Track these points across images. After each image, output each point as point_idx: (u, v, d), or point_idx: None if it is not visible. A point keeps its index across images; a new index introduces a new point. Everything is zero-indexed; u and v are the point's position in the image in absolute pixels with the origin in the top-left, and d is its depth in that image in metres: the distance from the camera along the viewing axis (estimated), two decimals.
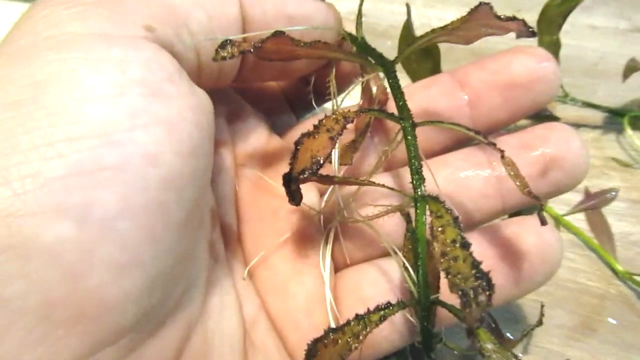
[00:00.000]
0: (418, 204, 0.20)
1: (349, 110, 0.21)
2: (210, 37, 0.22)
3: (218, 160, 0.26)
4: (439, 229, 0.18)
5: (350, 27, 0.28)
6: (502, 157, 0.20)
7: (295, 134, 0.30)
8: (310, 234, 0.26)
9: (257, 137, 0.28)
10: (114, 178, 0.16)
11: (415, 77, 0.34)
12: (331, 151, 0.20)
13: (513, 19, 0.20)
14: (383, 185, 0.22)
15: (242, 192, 0.27)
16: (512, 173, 0.19)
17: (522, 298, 0.27)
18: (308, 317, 0.24)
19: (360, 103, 0.29)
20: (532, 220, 0.24)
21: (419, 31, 0.28)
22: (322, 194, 0.28)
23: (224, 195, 0.26)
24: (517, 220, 0.25)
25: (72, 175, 0.16)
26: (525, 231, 0.24)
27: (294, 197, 0.21)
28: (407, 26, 0.32)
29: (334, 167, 0.26)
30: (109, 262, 0.16)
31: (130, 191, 0.17)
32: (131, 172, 0.17)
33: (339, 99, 0.29)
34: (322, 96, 0.29)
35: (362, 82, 0.27)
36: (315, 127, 0.21)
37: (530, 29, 0.19)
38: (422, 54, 0.33)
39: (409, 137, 0.22)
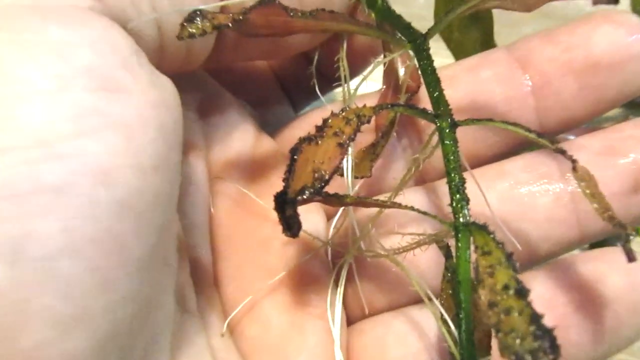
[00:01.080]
0: (460, 235, 0.21)
1: (365, 106, 0.23)
2: (177, 9, 0.23)
3: (186, 172, 0.27)
4: (487, 270, 0.19)
5: None
6: (574, 169, 0.21)
7: (292, 133, 0.31)
8: (315, 272, 0.27)
9: (240, 139, 0.30)
10: (54, 203, 0.17)
11: (458, 51, 0.35)
12: (341, 162, 0.21)
13: None
14: (412, 208, 0.23)
15: (219, 216, 0.28)
16: (587, 191, 0.20)
17: None
18: None
19: (382, 90, 0.30)
20: (620, 253, 0.25)
21: None
22: (330, 217, 0.29)
23: (195, 221, 0.27)
24: (599, 253, 0.26)
25: (0, 199, 0.17)
26: (609, 269, 0.25)
27: (290, 225, 0.22)
28: None
29: (346, 181, 0.27)
30: (49, 316, 0.17)
31: (75, 220, 0.17)
32: (77, 194, 0.18)
33: (352, 85, 0.30)
34: (330, 80, 0.31)
35: (385, 63, 0.28)
36: (318, 128, 0.22)
37: None
38: (467, 18, 0.34)
39: (447, 142, 0.23)
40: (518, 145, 0.29)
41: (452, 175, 0.22)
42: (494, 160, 0.29)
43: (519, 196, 0.27)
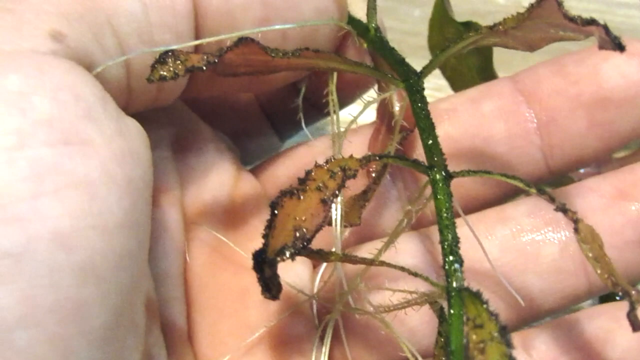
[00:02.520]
0: (452, 301, 0.21)
1: (352, 157, 0.22)
2: (144, 50, 0.23)
3: (159, 218, 0.27)
4: (478, 345, 0.18)
5: (361, 6, 0.28)
6: (576, 230, 0.20)
7: (276, 171, 0.31)
8: (298, 329, 0.27)
9: (219, 179, 0.30)
10: (11, 271, 0.17)
11: (455, 78, 0.35)
12: (325, 219, 0.21)
13: (591, 22, 0.21)
14: (402, 268, 0.23)
15: (195, 265, 0.28)
16: (590, 254, 0.20)
17: None
18: None
19: (376, 125, 0.30)
20: None
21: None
22: (316, 267, 0.29)
23: (167, 274, 0.27)
24: (608, 308, 0.26)
25: None
26: (618, 327, 0.25)
27: (269, 286, 0.22)
28: (441, 3, 0.33)
29: (334, 230, 0.27)
30: None
31: (34, 289, 0.18)
32: (35, 260, 0.18)
33: (345, 112, 0.30)
34: (319, 109, 0.30)
35: (377, 100, 0.28)
36: (300, 180, 0.22)
37: (616, 39, 0.20)
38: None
39: (441, 197, 0.22)
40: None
41: (445, 233, 0.22)
42: (495, 201, 0.29)
43: (521, 245, 0.27)
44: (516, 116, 0.28)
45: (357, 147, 0.29)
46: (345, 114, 0.30)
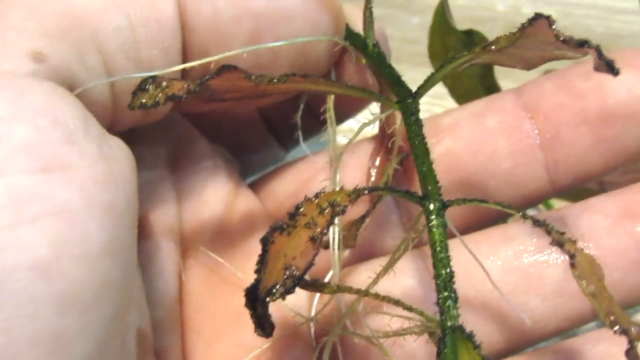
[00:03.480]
0: (446, 339, 0.21)
1: (343, 189, 0.22)
2: (129, 75, 0.23)
3: (154, 236, 0.27)
4: None
5: (358, 17, 0.28)
6: (572, 265, 0.20)
7: (276, 187, 0.31)
8: (295, 352, 0.27)
9: (217, 196, 0.30)
10: None
11: (456, 87, 0.35)
12: (314, 257, 0.21)
13: (584, 43, 0.20)
14: (397, 302, 0.23)
15: (191, 284, 0.28)
16: (587, 290, 0.20)
17: None
18: None
19: (378, 139, 0.30)
20: None
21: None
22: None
23: (162, 296, 0.27)
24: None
25: None
26: (622, 352, 0.25)
27: (262, 324, 0.22)
28: (441, 11, 0.32)
29: (332, 254, 0.27)
30: None
31: (13, 320, 0.18)
32: (15, 291, 0.18)
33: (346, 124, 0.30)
34: (322, 121, 0.30)
35: (373, 121, 0.28)
36: (290, 216, 0.22)
37: (609, 62, 0.20)
38: (463, 45, 0.34)
39: (434, 230, 0.22)
40: (527, 204, 0.29)
41: (439, 268, 0.22)
42: (499, 218, 0.28)
43: (524, 266, 0.27)
44: (520, 132, 0.28)
45: (358, 162, 0.30)
46: (352, 122, 0.30)
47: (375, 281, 0.25)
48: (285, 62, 0.26)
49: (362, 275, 0.27)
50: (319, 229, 0.21)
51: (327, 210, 0.21)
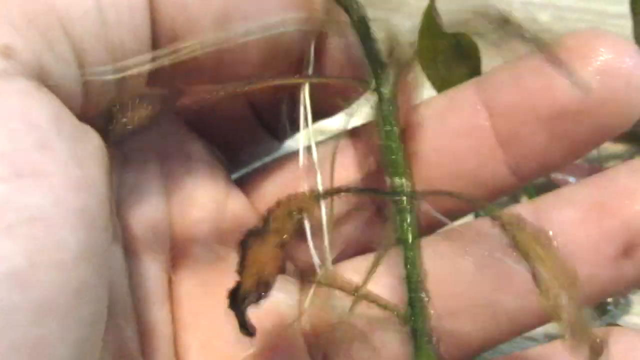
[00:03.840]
0: (416, 343, 0.21)
1: (311, 194, 0.23)
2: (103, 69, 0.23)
3: (142, 238, 0.28)
4: None
5: None
6: (534, 277, 0.20)
7: (266, 187, 0.31)
8: (289, 349, 0.28)
9: (207, 196, 0.30)
10: None
11: (441, 83, 0.35)
12: (283, 262, 0.22)
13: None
14: (373, 301, 0.23)
15: (184, 287, 0.29)
16: (546, 298, 0.20)
17: None
18: None
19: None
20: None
21: None
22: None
23: (149, 293, 0.27)
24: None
25: None
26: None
27: (245, 327, 0.23)
28: (430, 14, 0.32)
29: (324, 248, 0.27)
30: None
31: None
32: None
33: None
34: (317, 113, 0.30)
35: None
36: (264, 219, 0.23)
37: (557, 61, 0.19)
38: (453, 52, 0.34)
39: (404, 228, 0.22)
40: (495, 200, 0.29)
41: (409, 270, 0.22)
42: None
43: (497, 263, 0.26)
44: (479, 131, 0.27)
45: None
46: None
47: (365, 280, 0.25)
48: (256, 43, 0.26)
49: (349, 273, 0.27)
50: (287, 234, 0.22)
51: (294, 214, 0.22)
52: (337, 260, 0.29)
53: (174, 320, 0.28)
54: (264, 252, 0.22)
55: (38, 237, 0.19)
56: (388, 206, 0.30)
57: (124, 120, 0.23)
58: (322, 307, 0.28)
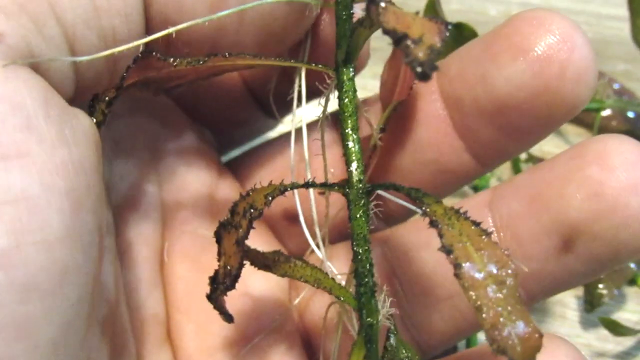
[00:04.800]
0: (365, 332, 0.22)
1: (260, 192, 0.24)
2: (92, 56, 0.23)
3: (135, 222, 0.29)
4: None
5: None
6: (456, 275, 0.20)
7: (257, 169, 0.32)
8: (283, 331, 0.29)
9: (199, 180, 0.31)
10: None
11: None
12: (241, 258, 0.23)
13: (400, 39, 0.19)
14: (330, 290, 0.24)
15: (177, 271, 0.30)
16: (473, 302, 0.20)
17: None
18: None
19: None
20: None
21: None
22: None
23: (141, 276, 0.28)
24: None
25: None
26: None
27: (224, 313, 0.24)
28: (432, 5, 0.33)
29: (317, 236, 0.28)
30: None
31: None
32: None
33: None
34: (312, 90, 0.30)
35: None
36: (230, 212, 0.24)
37: (422, 73, 0.18)
38: (453, 39, 0.34)
39: (356, 220, 0.23)
40: (464, 184, 0.29)
41: (357, 262, 0.23)
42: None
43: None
44: (438, 121, 0.27)
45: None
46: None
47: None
48: (251, 28, 0.26)
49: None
50: (242, 231, 0.23)
51: (248, 212, 0.23)
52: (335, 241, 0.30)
53: (167, 303, 0.29)
54: (228, 245, 0.23)
55: (23, 217, 0.19)
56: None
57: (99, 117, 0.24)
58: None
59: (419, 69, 0.17)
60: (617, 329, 0.39)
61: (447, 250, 0.20)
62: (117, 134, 0.29)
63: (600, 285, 0.40)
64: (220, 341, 0.28)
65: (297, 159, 0.30)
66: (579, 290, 0.42)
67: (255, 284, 0.30)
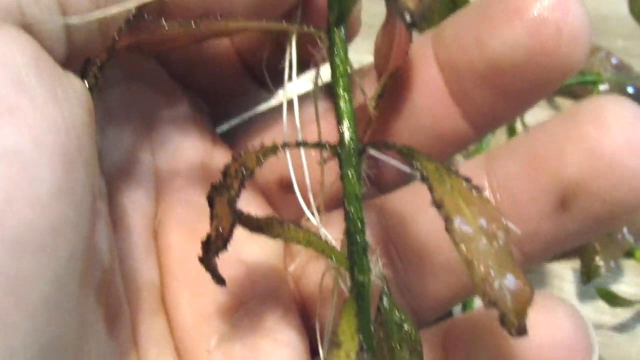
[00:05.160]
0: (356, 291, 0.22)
1: (252, 154, 0.24)
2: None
3: (126, 190, 0.29)
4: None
5: None
6: (447, 229, 0.20)
7: (251, 140, 0.32)
8: (278, 297, 0.29)
9: (194, 149, 0.31)
10: None
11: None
12: (234, 220, 0.23)
13: None
14: (323, 251, 0.24)
15: (170, 238, 0.30)
16: (464, 255, 0.20)
17: None
18: None
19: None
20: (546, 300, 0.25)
21: None
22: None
23: (134, 243, 0.28)
24: None
25: None
26: None
27: (216, 276, 0.24)
28: None
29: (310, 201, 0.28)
30: None
31: None
32: None
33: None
34: (306, 61, 0.30)
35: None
36: (223, 174, 0.24)
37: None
38: (447, 7, 0.34)
39: (348, 180, 0.23)
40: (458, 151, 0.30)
41: (349, 222, 0.23)
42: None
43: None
44: (433, 87, 0.28)
45: None
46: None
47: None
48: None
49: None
50: (234, 192, 0.23)
51: (240, 173, 0.23)
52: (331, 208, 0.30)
53: (161, 271, 0.29)
54: (221, 207, 0.23)
55: (13, 173, 0.19)
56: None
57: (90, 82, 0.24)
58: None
59: (408, 18, 0.17)
60: (614, 300, 0.39)
61: (437, 204, 0.20)
62: (110, 103, 0.29)
63: (597, 257, 0.40)
64: (215, 307, 0.28)
65: (292, 130, 0.30)
66: (576, 263, 0.43)
67: (250, 251, 0.30)
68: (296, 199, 0.29)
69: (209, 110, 0.34)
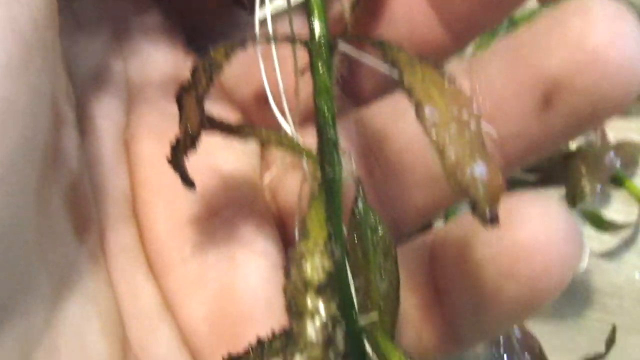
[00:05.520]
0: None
1: (220, 50, 0.23)
2: None
3: (95, 100, 0.28)
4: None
5: None
6: (417, 115, 0.20)
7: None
8: (254, 208, 0.29)
9: (166, 60, 0.31)
10: None
11: None
12: (201, 117, 0.22)
13: None
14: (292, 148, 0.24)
15: (141, 148, 0.29)
16: (435, 138, 0.19)
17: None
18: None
19: None
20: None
21: None
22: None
23: (102, 152, 0.28)
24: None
25: None
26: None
27: (185, 179, 0.24)
28: None
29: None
30: None
31: None
32: None
33: None
34: None
35: None
36: (192, 73, 0.23)
37: None
38: None
39: (319, 73, 0.23)
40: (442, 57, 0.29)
41: (319, 115, 0.22)
42: None
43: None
44: None
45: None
46: None
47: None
48: None
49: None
50: (201, 89, 0.22)
51: (208, 69, 0.22)
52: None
53: (133, 180, 0.29)
54: (190, 105, 0.23)
55: None
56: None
57: None
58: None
59: None
60: (600, 223, 0.39)
61: (408, 91, 0.20)
62: (80, 10, 0.29)
63: (583, 180, 0.39)
64: (189, 217, 0.28)
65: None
66: (562, 191, 0.42)
67: (225, 161, 0.29)
68: (274, 115, 0.28)
69: (184, 28, 0.34)
